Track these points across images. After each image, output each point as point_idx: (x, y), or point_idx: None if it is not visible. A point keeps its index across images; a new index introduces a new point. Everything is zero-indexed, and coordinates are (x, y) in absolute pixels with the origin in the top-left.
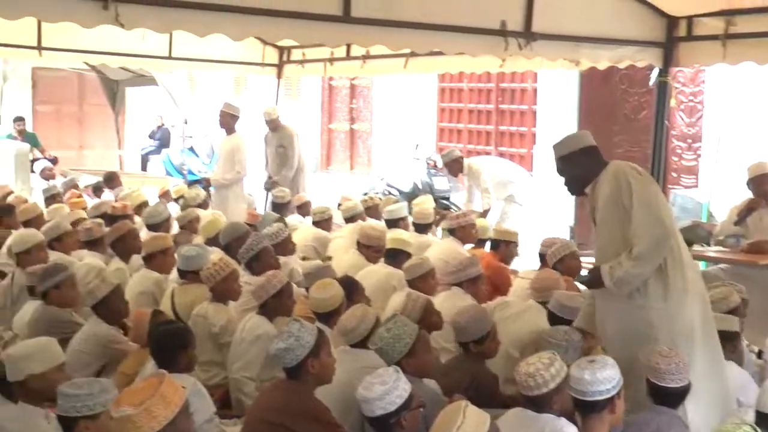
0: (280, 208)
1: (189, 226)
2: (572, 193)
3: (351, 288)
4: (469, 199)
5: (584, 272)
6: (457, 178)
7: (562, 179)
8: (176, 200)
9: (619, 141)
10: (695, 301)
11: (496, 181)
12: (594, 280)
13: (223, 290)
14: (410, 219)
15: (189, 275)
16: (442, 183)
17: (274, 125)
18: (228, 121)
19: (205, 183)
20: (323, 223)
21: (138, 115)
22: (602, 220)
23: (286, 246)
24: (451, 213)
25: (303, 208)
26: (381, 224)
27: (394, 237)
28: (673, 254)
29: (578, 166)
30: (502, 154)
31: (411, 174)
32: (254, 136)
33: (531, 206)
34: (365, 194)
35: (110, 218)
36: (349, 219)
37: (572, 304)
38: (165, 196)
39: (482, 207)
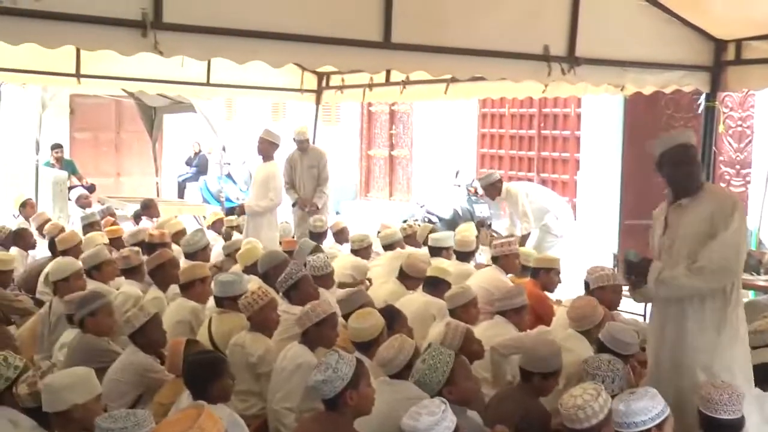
0: (317, 236)
1: (234, 254)
2: (678, 195)
3: (393, 317)
4: (512, 223)
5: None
6: (495, 201)
7: (674, 176)
8: (211, 227)
9: None
10: (745, 340)
11: (533, 207)
12: (640, 270)
13: (262, 319)
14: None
15: (226, 303)
16: (483, 210)
17: (304, 146)
18: (266, 148)
19: (239, 210)
20: (362, 251)
21: (175, 141)
22: (687, 235)
23: (326, 281)
24: (496, 239)
25: (340, 235)
26: (425, 254)
27: (434, 265)
28: (734, 291)
29: (695, 163)
30: (544, 181)
31: (451, 201)
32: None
33: (568, 237)
34: (405, 221)
35: (148, 246)
36: (388, 246)
37: (625, 338)
38: (215, 225)
39: (521, 232)
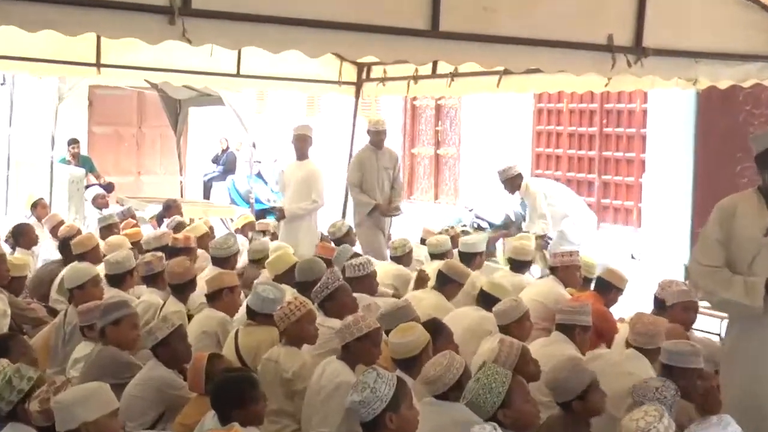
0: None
1: (261, 261)
2: None
3: (436, 331)
4: (531, 221)
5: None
6: (513, 195)
7: None
8: (240, 230)
9: (742, 170)
10: None
11: (552, 210)
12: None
13: (298, 332)
14: (500, 254)
15: (259, 317)
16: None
17: (382, 139)
18: (303, 144)
19: (279, 213)
20: (404, 258)
21: (201, 137)
22: None
23: (369, 283)
24: (555, 249)
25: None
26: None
27: (490, 281)
28: None
29: None
30: (606, 184)
31: (503, 205)
32: (329, 161)
33: (585, 246)
34: (450, 226)
35: (171, 251)
36: (438, 256)
37: (685, 349)
38: (243, 230)
39: (537, 232)
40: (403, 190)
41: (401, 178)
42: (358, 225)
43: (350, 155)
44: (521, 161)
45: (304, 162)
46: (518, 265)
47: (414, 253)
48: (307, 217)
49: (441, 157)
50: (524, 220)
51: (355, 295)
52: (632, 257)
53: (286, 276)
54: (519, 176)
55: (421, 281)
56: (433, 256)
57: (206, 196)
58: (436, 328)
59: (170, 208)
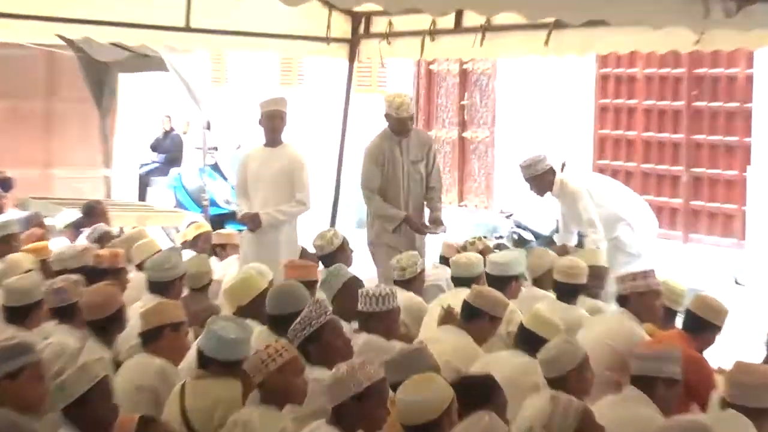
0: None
1: (206, 285)
2: None
3: (482, 396)
4: (566, 230)
5: None
6: (543, 197)
7: None
8: (192, 244)
9: None
10: None
11: (601, 213)
12: None
13: (281, 387)
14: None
15: (215, 365)
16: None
17: (408, 126)
18: (276, 125)
19: (250, 222)
20: (414, 282)
21: (136, 115)
22: None
23: (389, 323)
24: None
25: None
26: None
27: (537, 317)
28: None
29: None
30: (697, 179)
31: (553, 209)
32: (313, 148)
33: (646, 257)
34: (478, 238)
35: (92, 273)
36: (466, 281)
37: None
38: (196, 243)
39: (587, 246)
40: (442, 190)
41: (440, 172)
42: (373, 242)
43: (342, 140)
44: (580, 148)
45: (279, 149)
46: (568, 291)
47: (431, 277)
48: (287, 225)
49: (467, 142)
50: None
51: (367, 337)
52: (736, 282)
53: (252, 308)
54: (551, 172)
55: (449, 318)
56: (459, 282)
57: (142, 196)
58: (483, 390)
59: (92, 213)
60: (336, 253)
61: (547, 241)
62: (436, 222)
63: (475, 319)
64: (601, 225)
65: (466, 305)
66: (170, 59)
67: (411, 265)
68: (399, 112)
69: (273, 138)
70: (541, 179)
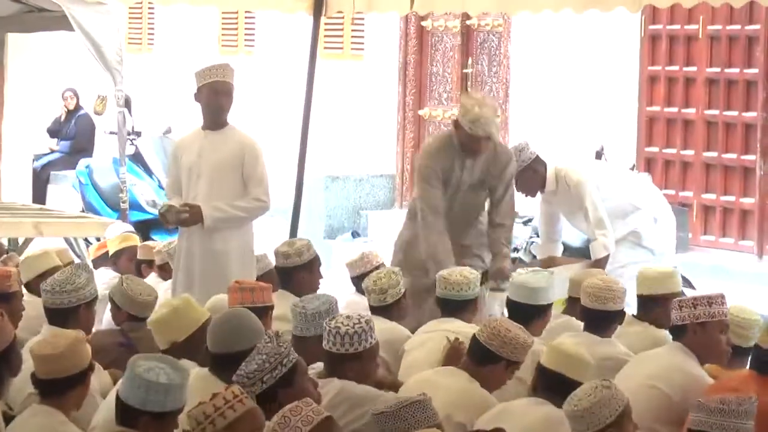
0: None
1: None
2: None
3: None
4: (548, 239)
5: None
6: (535, 198)
7: None
8: (112, 261)
9: None
10: None
11: (611, 206)
12: None
13: None
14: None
15: (143, 419)
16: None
17: (480, 148)
18: (223, 102)
19: (188, 216)
20: (398, 308)
21: (30, 89)
22: None
23: (365, 363)
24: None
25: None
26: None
27: (560, 352)
28: None
29: None
30: None
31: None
32: (269, 132)
33: (670, 255)
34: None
35: None
36: (453, 305)
37: None
38: (117, 259)
39: (596, 253)
40: (513, 229)
41: (514, 206)
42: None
43: (305, 121)
44: (620, 131)
45: (223, 132)
46: (598, 319)
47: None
48: (240, 229)
49: None
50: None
51: (340, 384)
52: None
53: (188, 345)
54: (539, 162)
55: (454, 358)
56: (448, 305)
57: (38, 196)
58: None
59: None
60: (300, 270)
61: (579, 254)
62: (500, 275)
63: (489, 364)
64: (611, 222)
65: (478, 346)
66: (76, 15)
67: (393, 285)
68: (473, 127)
69: (215, 119)
70: (527, 174)
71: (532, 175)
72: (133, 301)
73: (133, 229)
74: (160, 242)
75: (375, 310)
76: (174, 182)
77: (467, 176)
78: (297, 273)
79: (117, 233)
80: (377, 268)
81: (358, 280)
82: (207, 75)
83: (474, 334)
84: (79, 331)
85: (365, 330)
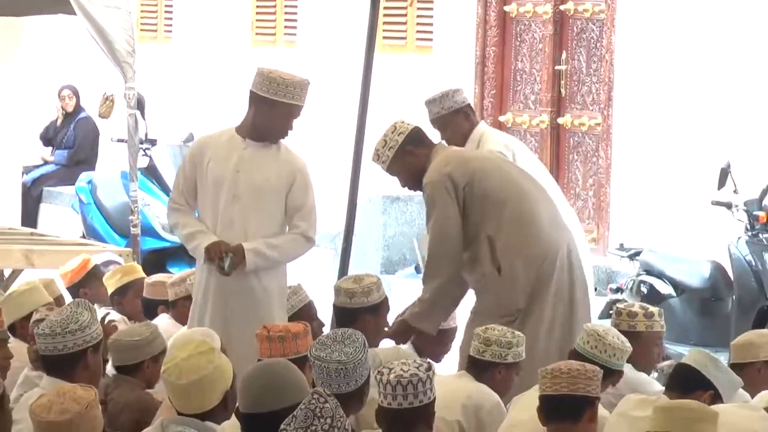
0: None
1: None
2: None
3: None
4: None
5: None
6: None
7: None
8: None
9: None
10: None
11: None
12: None
13: None
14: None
15: None
16: None
17: None
18: (290, 129)
19: (232, 256)
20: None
21: (20, 86)
22: None
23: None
24: None
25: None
26: None
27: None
28: None
29: None
30: None
31: (713, 241)
32: (315, 143)
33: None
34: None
35: None
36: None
37: None
38: (123, 295)
39: None
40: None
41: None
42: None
43: (359, 130)
44: (756, 141)
45: (269, 145)
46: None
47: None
48: (277, 269)
49: (566, 132)
50: (760, 278)
51: None
52: None
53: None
54: (466, 111)
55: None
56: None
57: (29, 217)
58: None
59: None
60: (366, 313)
61: (698, 298)
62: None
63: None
64: None
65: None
66: None
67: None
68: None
69: (267, 137)
70: (448, 122)
71: (453, 125)
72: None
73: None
74: (178, 276)
75: None
76: (190, 189)
77: None
78: (361, 316)
79: (126, 266)
80: None
81: None
82: (290, 92)
83: (546, 394)
84: (90, 390)
85: (428, 376)
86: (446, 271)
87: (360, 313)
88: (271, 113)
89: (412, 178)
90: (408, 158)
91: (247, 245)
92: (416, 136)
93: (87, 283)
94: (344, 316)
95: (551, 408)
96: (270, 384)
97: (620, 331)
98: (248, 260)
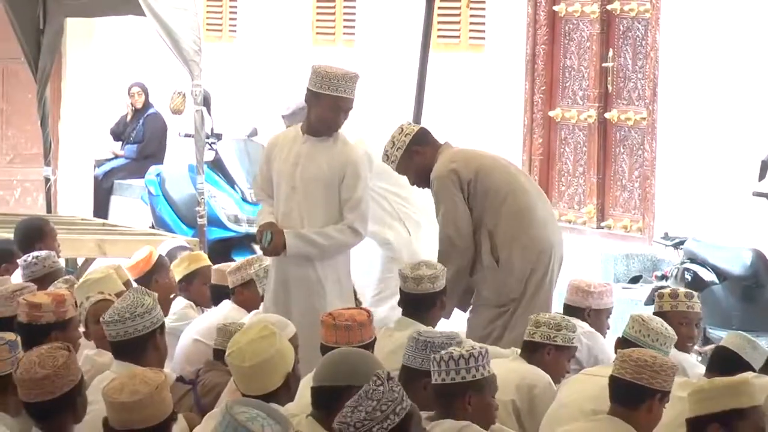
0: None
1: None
2: None
3: None
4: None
5: None
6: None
7: None
8: (185, 288)
9: None
10: None
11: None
12: None
13: None
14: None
15: None
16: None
17: None
18: (340, 121)
19: (270, 240)
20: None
21: (92, 83)
22: None
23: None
24: None
25: None
26: None
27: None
28: None
29: None
30: None
31: (753, 233)
32: (375, 136)
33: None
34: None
35: (28, 331)
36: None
37: None
38: (189, 284)
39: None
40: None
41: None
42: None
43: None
44: None
45: (327, 139)
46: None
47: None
48: (333, 260)
49: (613, 127)
50: None
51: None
52: None
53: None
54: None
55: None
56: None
57: (101, 208)
58: None
59: (32, 236)
60: (433, 297)
61: (738, 284)
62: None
63: (643, 402)
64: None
65: (625, 386)
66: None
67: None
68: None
69: (322, 131)
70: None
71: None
72: None
73: (203, 247)
74: (244, 263)
75: None
76: (265, 183)
77: None
78: (427, 301)
79: (184, 252)
80: None
81: None
82: (334, 84)
83: (613, 375)
84: (160, 373)
85: (483, 353)
86: (457, 261)
87: (425, 298)
88: (319, 106)
89: (420, 176)
90: (415, 157)
91: (289, 231)
92: (422, 137)
93: (156, 273)
94: (409, 301)
95: (614, 389)
96: (346, 361)
97: (654, 313)
98: (288, 242)
